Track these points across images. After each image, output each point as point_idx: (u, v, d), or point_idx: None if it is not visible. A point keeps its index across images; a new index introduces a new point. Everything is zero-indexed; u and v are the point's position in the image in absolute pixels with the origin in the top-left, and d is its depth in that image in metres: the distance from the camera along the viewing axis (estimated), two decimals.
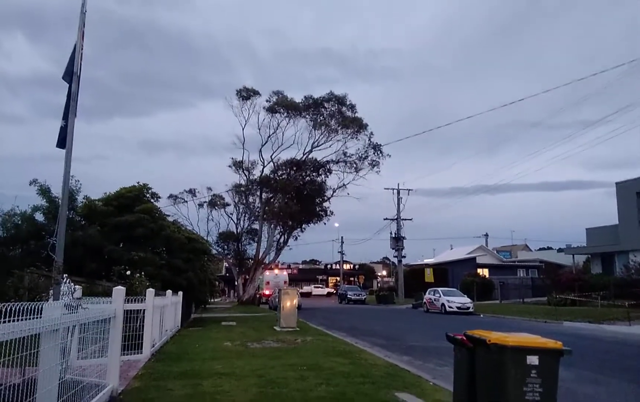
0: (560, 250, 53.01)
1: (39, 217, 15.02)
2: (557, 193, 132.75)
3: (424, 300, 33.10)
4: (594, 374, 9.01)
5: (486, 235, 70.32)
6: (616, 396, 7.35)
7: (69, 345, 6.04)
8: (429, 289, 34.23)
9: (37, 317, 3.75)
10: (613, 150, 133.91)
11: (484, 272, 47.85)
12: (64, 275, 8.03)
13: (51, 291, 6.93)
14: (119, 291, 6.77)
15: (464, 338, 4.98)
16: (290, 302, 17.82)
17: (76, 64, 6.78)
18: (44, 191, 14.92)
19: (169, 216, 21.88)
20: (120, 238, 16.34)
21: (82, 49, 6.87)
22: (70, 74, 7.57)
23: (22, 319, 3.44)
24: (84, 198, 16.69)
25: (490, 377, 4.53)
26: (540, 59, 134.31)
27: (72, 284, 8.62)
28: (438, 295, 31.29)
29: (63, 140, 8.31)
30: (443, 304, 29.77)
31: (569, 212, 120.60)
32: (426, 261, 62.60)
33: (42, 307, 3.91)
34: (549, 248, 65.85)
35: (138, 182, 18.62)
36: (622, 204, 31.11)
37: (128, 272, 14.34)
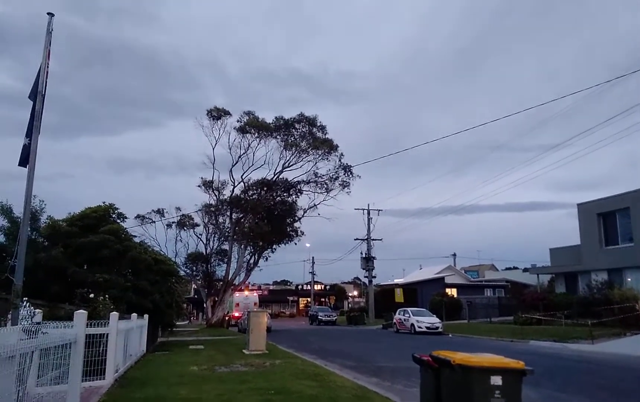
0: (525, 270, 54.28)
1: (0, 237, 14.50)
2: (521, 214, 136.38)
3: (394, 320, 33.23)
4: (559, 393, 9.22)
5: (454, 255, 71.51)
6: None
7: (26, 372, 5.82)
8: (398, 309, 34.40)
9: None
10: (575, 173, 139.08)
11: (453, 291, 48.50)
12: (24, 298, 7.75)
13: (9, 316, 6.68)
14: (81, 314, 6.58)
15: (430, 359, 5.05)
16: (259, 324, 17.62)
17: (41, 83, 6.66)
18: (5, 211, 14.43)
19: (135, 236, 21.42)
20: (85, 260, 15.89)
21: (47, 67, 6.76)
22: (36, 93, 7.43)
23: None
24: (47, 218, 16.23)
25: (456, 398, 4.59)
26: (504, 80, 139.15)
27: (32, 307, 8.33)
28: (407, 315, 31.49)
29: (26, 159, 8.11)
30: (412, 324, 29.96)
31: (533, 233, 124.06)
32: (396, 281, 63.05)
33: None
34: (515, 268, 67.36)
35: (104, 202, 18.23)
36: (584, 224, 32.19)
37: (92, 295, 13.93)
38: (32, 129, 7.82)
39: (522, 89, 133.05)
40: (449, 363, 4.64)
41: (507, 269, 71.74)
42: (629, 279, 28.22)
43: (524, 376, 4.69)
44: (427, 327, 28.92)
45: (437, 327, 29.03)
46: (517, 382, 4.52)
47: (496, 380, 4.41)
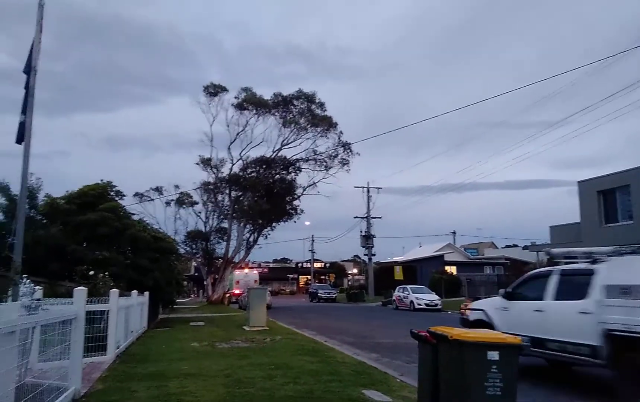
0: (525, 247, 54.48)
1: None
2: (521, 192, 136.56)
3: (394, 297, 33.50)
4: (558, 368, 9.34)
5: (454, 233, 71.64)
6: (579, 386, 7.62)
7: (28, 347, 5.87)
8: (398, 287, 34.65)
9: None
10: (575, 150, 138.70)
11: (452, 269, 48.80)
12: (24, 275, 7.78)
13: (9, 292, 6.71)
14: (80, 291, 6.61)
15: (428, 335, 5.09)
16: (259, 301, 17.76)
17: (34, 58, 6.57)
18: (3, 189, 14.39)
19: (134, 214, 21.42)
20: (84, 237, 15.91)
21: (40, 42, 6.67)
22: (30, 67, 7.34)
23: None
24: (45, 196, 16.18)
25: (453, 373, 4.63)
26: (504, 57, 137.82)
27: (32, 284, 8.37)
28: (407, 292, 31.73)
29: (22, 136, 8.05)
30: (412, 302, 30.21)
31: (533, 210, 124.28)
32: (396, 258, 63.30)
33: None
34: (515, 245, 67.59)
35: (102, 180, 18.19)
36: (584, 202, 32.21)
37: (92, 273, 13.98)
38: (27, 105, 7.76)
39: (522, 66, 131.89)
40: (447, 338, 4.67)
41: (506, 246, 72.01)
42: None
43: (521, 352, 4.73)
44: (426, 304, 29.18)
45: (436, 304, 29.28)
46: (513, 358, 4.55)
47: (493, 355, 4.44)
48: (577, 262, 8.51)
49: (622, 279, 6.83)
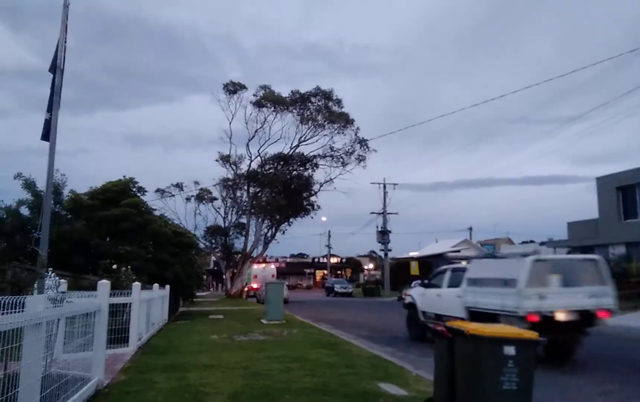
0: (542, 243, 53.66)
1: (24, 211, 14.88)
2: (539, 187, 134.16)
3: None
4: (575, 365, 9.28)
5: (470, 229, 70.89)
6: (595, 385, 7.56)
7: (53, 339, 6.06)
8: (413, 282, 34.49)
9: (19, 311, 3.77)
10: (594, 146, 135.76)
11: None
12: (49, 269, 8.02)
13: (35, 285, 6.93)
14: (104, 284, 6.78)
15: (444, 329, 5.11)
16: (277, 295, 17.91)
17: (59, 57, 6.75)
18: (29, 185, 14.77)
19: (155, 210, 21.79)
20: (107, 232, 16.26)
21: (65, 42, 6.84)
22: (55, 67, 7.53)
23: (4, 313, 3.46)
24: (69, 192, 16.57)
25: (469, 367, 4.65)
26: (524, 52, 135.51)
27: (57, 278, 8.61)
28: None
29: (48, 133, 8.28)
30: None
31: (551, 207, 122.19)
32: (412, 254, 62.93)
33: (24, 301, 3.93)
34: (532, 241, 66.46)
35: (124, 176, 18.53)
36: (602, 198, 31.64)
37: (114, 266, 14.28)
38: (53, 104, 7.97)
39: (541, 61, 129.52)
40: (463, 333, 4.68)
41: (523, 242, 71.01)
42: None
43: (538, 346, 4.72)
44: None
45: None
46: (530, 353, 4.54)
47: (509, 350, 4.44)
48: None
49: (474, 274, 10.97)
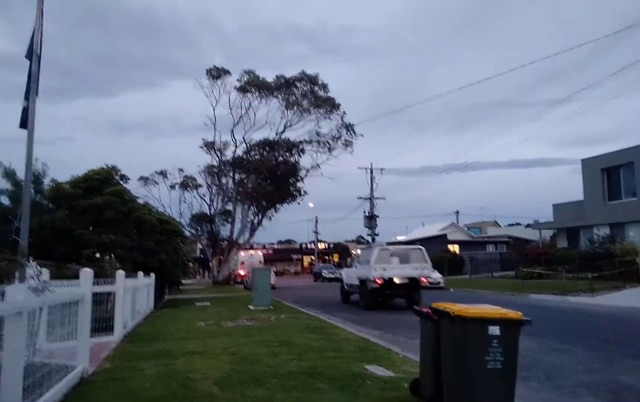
0: (528, 226, 54.43)
1: (4, 200, 14.61)
2: (525, 170, 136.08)
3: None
4: (559, 344, 9.41)
5: (457, 212, 71.67)
6: (578, 363, 7.70)
7: (36, 328, 5.97)
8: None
9: None
10: (580, 128, 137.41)
11: (455, 248, 48.89)
12: (30, 258, 7.87)
13: (17, 274, 6.80)
14: (87, 273, 6.69)
15: (429, 311, 5.13)
16: (264, 280, 17.92)
17: (35, 43, 6.55)
18: (9, 174, 14.47)
19: (139, 198, 21.53)
20: (90, 221, 16.04)
21: (41, 27, 6.63)
22: (32, 53, 7.32)
23: None
24: (51, 181, 16.28)
25: (454, 348, 4.68)
26: (513, 35, 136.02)
27: (38, 267, 8.46)
28: None
29: (26, 121, 8.07)
30: None
31: (537, 190, 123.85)
32: (399, 238, 63.48)
33: (4, 290, 3.86)
34: (518, 224, 67.55)
35: (106, 165, 18.24)
36: (587, 180, 32.12)
37: (98, 255, 14.11)
38: (30, 91, 7.76)
39: (528, 45, 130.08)
40: (448, 314, 4.70)
41: (509, 225, 71.99)
42: (631, 234, 28.34)
43: (522, 326, 4.76)
44: (429, 283, 29.30)
45: (439, 282, 29.42)
46: (515, 333, 4.58)
47: (494, 330, 4.47)
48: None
49: (360, 258, 19.72)
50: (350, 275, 20.17)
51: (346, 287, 20.70)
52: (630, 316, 14.29)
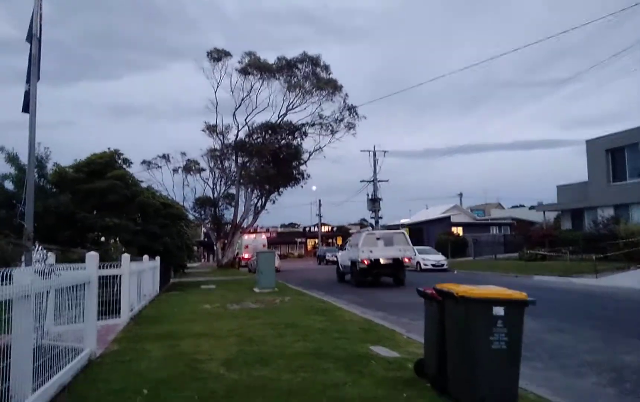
0: (532, 207, 54.35)
1: (9, 185, 14.65)
2: (529, 152, 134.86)
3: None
4: (562, 324, 9.45)
5: (460, 194, 71.47)
6: (582, 343, 7.74)
7: (44, 311, 6.02)
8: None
9: (7, 284, 3.73)
10: (584, 108, 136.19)
11: (458, 230, 48.88)
12: (35, 242, 7.92)
13: (23, 258, 6.85)
14: (92, 256, 6.74)
15: (434, 292, 5.14)
16: (269, 263, 18.01)
17: (35, 26, 6.51)
18: (12, 159, 14.49)
19: (142, 182, 21.54)
20: (93, 205, 16.09)
21: (40, 9, 6.59)
22: (32, 36, 7.28)
23: None
24: (53, 165, 16.30)
25: (459, 329, 4.70)
26: (516, 13, 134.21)
27: (44, 251, 8.52)
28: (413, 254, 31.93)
29: (28, 105, 8.08)
30: (418, 262, 30.41)
31: (541, 171, 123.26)
32: (402, 221, 63.40)
33: (11, 274, 3.88)
34: (522, 206, 67.49)
35: (109, 148, 18.23)
36: (592, 161, 31.92)
37: (102, 239, 14.17)
38: (31, 74, 7.74)
39: (533, 23, 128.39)
40: (452, 295, 4.71)
41: (513, 207, 71.89)
42: (636, 215, 28.23)
43: (526, 307, 4.76)
44: (432, 265, 29.40)
45: (443, 265, 29.50)
46: (519, 313, 4.59)
47: (498, 311, 4.48)
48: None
49: (351, 242, 22.41)
50: (344, 257, 22.71)
51: (341, 268, 23.24)
52: (634, 296, 14.30)
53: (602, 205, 30.33)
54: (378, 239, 19.77)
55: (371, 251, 19.16)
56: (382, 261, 19.29)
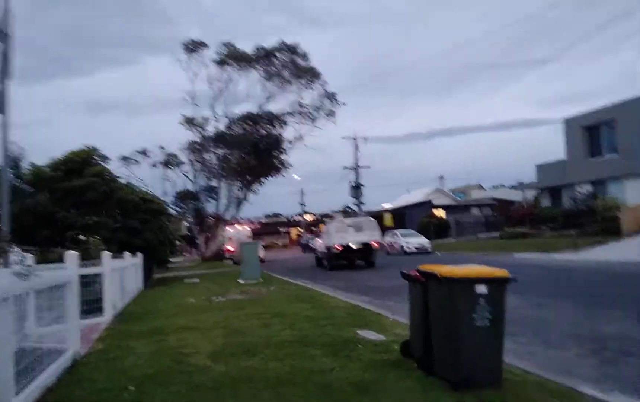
0: (512, 187, 55.14)
1: None
2: (509, 132, 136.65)
3: (384, 243, 33.98)
4: (544, 300, 9.64)
5: (441, 177, 72.04)
6: (564, 316, 7.92)
7: (24, 313, 5.91)
8: (387, 232, 35.10)
9: None
10: (562, 87, 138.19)
11: (440, 213, 49.37)
12: (12, 244, 7.75)
13: (1, 261, 6.70)
14: (72, 256, 6.62)
15: (417, 274, 5.19)
16: (253, 254, 17.96)
17: (2, 21, 6.31)
18: None
19: (121, 178, 21.20)
20: (72, 203, 15.79)
21: (7, 3, 6.39)
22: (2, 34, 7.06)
23: None
24: (29, 165, 15.94)
25: (443, 308, 4.76)
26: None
27: (21, 253, 8.36)
28: (396, 237, 32.20)
29: (2, 105, 7.84)
30: (402, 246, 30.74)
31: (521, 150, 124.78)
32: (385, 206, 63.85)
33: None
34: (502, 186, 68.31)
35: (86, 146, 17.86)
36: (570, 139, 32.50)
37: (82, 238, 13.95)
38: (2, 73, 7.51)
39: (512, 4, 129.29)
40: (436, 276, 4.76)
41: (494, 187, 72.76)
42: (613, 189, 28.88)
43: (508, 284, 4.84)
44: (416, 248, 29.73)
45: (426, 247, 29.82)
46: (501, 290, 4.66)
47: (481, 289, 4.54)
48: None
49: (326, 229, 24.04)
50: (320, 244, 24.86)
51: (319, 254, 25.03)
52: (612, 269, 14.67)
53: (580, 181, 30.95)
54: (349, 226, 21.75)
55: (342, 237, 21.12)
56: (353, 246, 21.14)
